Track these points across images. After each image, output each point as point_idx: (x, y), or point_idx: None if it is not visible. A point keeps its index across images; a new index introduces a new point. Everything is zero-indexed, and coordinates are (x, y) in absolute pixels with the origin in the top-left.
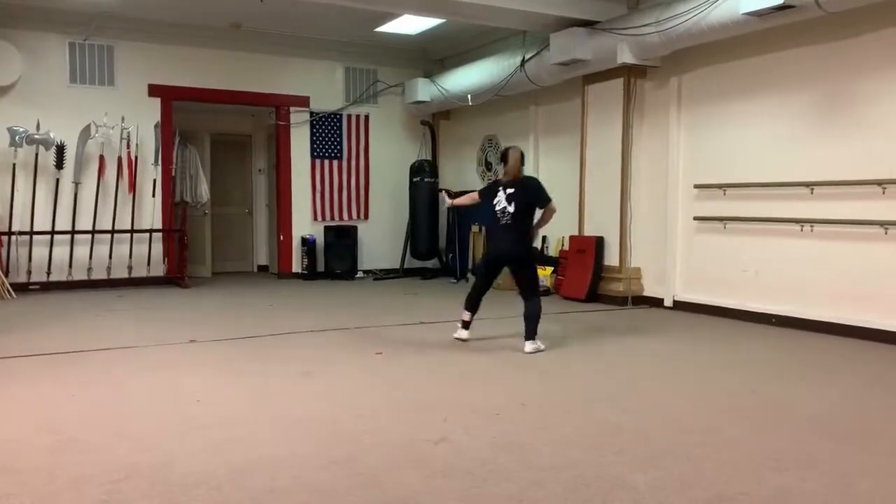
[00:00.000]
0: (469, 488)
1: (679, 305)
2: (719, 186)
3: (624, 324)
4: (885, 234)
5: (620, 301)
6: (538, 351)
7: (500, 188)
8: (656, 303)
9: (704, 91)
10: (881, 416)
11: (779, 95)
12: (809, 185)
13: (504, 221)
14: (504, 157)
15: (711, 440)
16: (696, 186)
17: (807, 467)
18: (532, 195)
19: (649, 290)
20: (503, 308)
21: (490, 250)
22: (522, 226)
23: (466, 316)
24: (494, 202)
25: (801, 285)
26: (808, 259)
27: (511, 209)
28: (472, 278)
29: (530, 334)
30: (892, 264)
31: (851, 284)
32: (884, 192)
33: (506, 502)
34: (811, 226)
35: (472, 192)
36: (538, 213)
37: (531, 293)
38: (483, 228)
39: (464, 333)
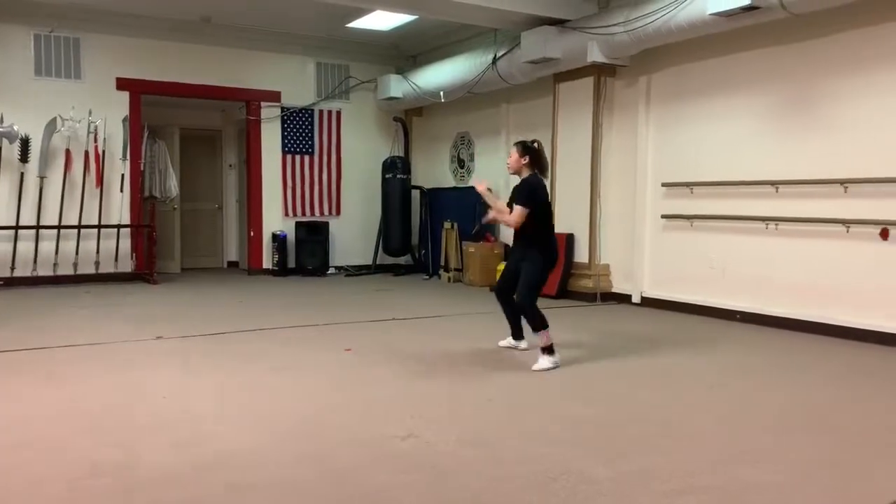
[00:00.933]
0: (435, 483)
1: (647, 302)
2: (687, 185)
3: (592, 320)
4: (847, 232)
5: (590, 297)
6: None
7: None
8: (625, 299)
9: (673, 90)
10: (841, 410)
11: (745, 95)
12: (774, 183)
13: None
14: (540, 154)
15: (676, 433)
16: (664, 185)
17: (768, 460)
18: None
19: (618, 287)
20: (473, 304)
21: (556, 254)
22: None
23: (549, 339)
24: (548, 200)
25: (765, 282)
26: (773, 256)
27: None
28: (444, 274)
29: (522, 333)
30: (853, 262)
31: (814, 281)
32: (846, 191)
33: (471, 497)
34: (776, 224)
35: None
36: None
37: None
38: (455, 225)
39: (550, 360)
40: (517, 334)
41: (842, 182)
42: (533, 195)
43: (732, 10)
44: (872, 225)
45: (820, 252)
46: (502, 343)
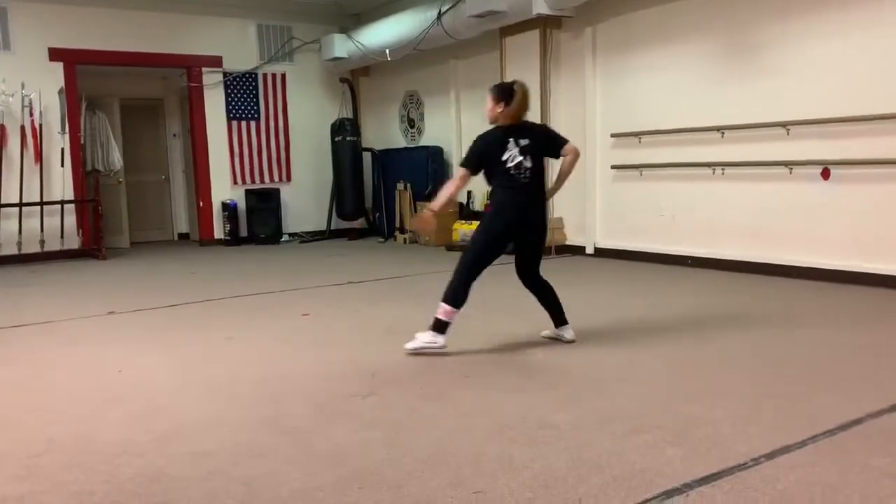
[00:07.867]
0: (396, 437)
1: (600, 252)
2: (635, 134)
3: (547, 273)
4: (790, 173)
5: (545, 251)
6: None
7: (510, 138)
8: (578, 251)
9: (618, 40)
10: (786, 347)
11: (688, 42)
12: (720, 129)
13: (524, 180)
14: (509, 93)
15: (629, 377)
16: (613, 135)
17: (716, 396)
18: (546, 140)
19: (571, 239)
20: (428, 264)
21: (508, 219)
22: (542, 185)
23: (452, 315)
24: (505, 158)
25: (713, 226)
26: (720, 201)
27: (529, 164)
28: (399, 237)
29: (564, 317)
30: (795, 202)
31: (760, 223)
32: (788, 134)
33: (431, 448)
34: (722, 169)
35: (448, 183)
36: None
37: (539, 268)
38: (408, 186)
39: (441, 339)
40: (558, 320)
41: (783, 124)
42: (481, 149)
43: None
44: (814, 165)
45: (764, 194)
46: (545, 333)
